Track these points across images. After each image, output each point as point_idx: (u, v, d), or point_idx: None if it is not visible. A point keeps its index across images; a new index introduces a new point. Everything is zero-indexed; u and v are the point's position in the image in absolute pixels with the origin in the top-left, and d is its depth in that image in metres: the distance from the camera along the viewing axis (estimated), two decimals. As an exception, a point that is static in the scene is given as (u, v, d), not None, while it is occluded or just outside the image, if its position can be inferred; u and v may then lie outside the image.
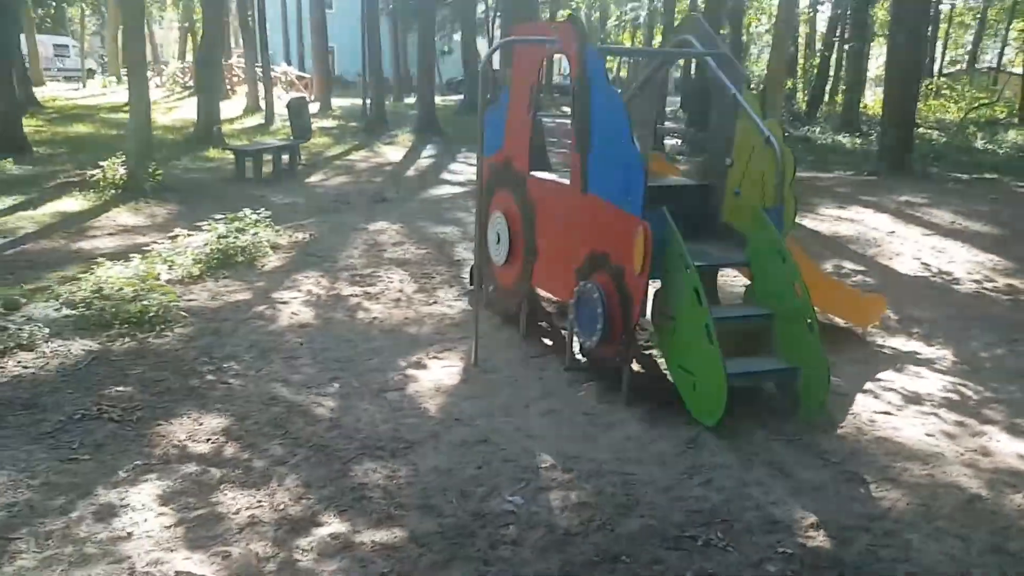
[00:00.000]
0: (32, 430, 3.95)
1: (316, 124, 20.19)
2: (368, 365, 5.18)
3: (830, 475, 3.84)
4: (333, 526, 3.27)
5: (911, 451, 4.10)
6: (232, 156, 13.44)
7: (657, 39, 36.94)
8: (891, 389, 4.96)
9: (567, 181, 5.18)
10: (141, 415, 4.19)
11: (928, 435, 4.31)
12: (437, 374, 5.09)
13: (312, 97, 34.24)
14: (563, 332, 5.74)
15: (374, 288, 6.86)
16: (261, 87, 22.88)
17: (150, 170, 11.03)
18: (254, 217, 7.92)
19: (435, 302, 6.58)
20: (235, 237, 7.47)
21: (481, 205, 5.54)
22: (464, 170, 15.47)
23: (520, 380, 5.02)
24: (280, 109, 19.84)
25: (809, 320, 4.31)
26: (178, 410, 4.29)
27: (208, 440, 3.97)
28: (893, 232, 9.84)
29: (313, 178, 13.85)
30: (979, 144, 22.37)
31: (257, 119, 22.12)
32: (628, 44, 49.61)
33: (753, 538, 3.25)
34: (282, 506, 3.40)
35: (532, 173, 5.51)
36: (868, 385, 4.99)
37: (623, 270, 4.44)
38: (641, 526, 3.33)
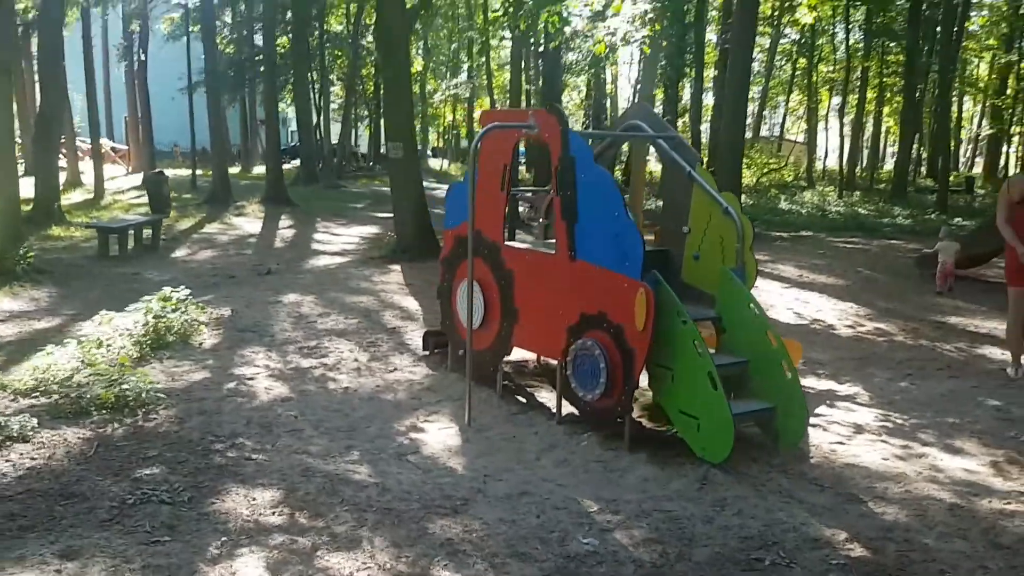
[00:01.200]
0: (91, 518, 3.87)
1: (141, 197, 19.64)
2: (370, 432, 5.37)
3: (830, 498, 4.48)
4: (465, 574, 3.51)
5: (880, 473, 4.83)
6: (82, 234, 12.93)
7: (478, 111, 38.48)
8: (833, 422, 5.74)
9: (545, 250, 5.70)
10: (190, 495, 4.19)
11: (884, 459, 5.07)
12: (438, 436, 5.36)
13: (130, 169, 32.83)
14: (548, 387, 6.17)
15: (328, 359, 6.99)
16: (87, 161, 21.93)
17: (21, 252, 10.47)
18: (180, 295, 7.80)
19: (395, 369, 6.81)
20: (168, 317, 7.35)
21: (451, 276, 5.92)
22: (334, 240, 15.61)
23: (518, 436, 5.39)
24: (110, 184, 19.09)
25: (786, 363, 5.01)
26: (221, 487, 4.32)
27: (274, 512, 4.06)
28: (756, 287, 11.02)
29: (178, 253, 13.55)
30: (783, 205, 25.05)
31: (80, 194, 21.10)
32: (450, 116, 51.39)
33: (805, 554, 3.80)
34: (388, 565, 3.59)
35: (507, 243, 5.97)
36: (813, 420, 5.75)
37: (623, 328, 4.96)
38: (710, 554, 3.79)
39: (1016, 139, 44.30)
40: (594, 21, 10.06)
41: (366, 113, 42.38)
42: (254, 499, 4.21)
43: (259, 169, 37.20)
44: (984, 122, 43.82)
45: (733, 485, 4.58)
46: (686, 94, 28.55)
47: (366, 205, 23.49)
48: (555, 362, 6.62)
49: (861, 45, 33.20)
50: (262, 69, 31.36)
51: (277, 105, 24.45)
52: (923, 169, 38.56)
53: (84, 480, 4.31)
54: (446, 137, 56.85)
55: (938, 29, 29.41)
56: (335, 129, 40.81)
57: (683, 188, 5.81)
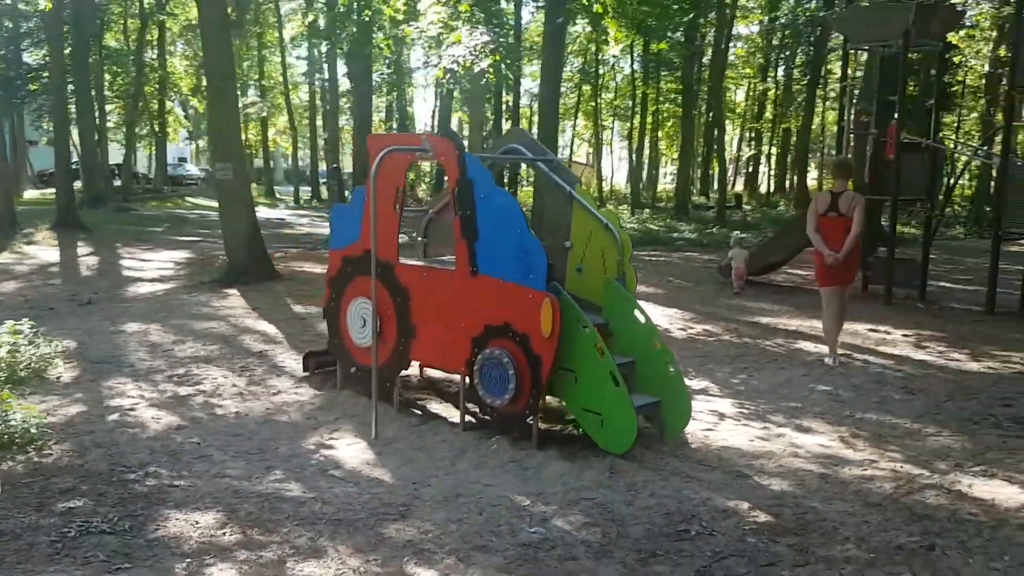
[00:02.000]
0: (35, 553, 3.72)
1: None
2: (282, 452, 5.40)
3: (720, 475, 5.10)
4: (438, 568, 3.73)
5: (752, 453, 5.54)
6: None
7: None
8: (699, 412, 6.42)
9: (442, 266, 6.00)
10: (129, 523, 4.10)
11: (750, 440, 5.80)
12: (350, 451, 5.49)
13: None
14: (452, 395, 6.43)
15: (205, 386, 6.85)
16: None
17: None
18: (26, 328, 7.30)
19: (278, 392, 6.79)
20: (21, 350, 6.88)
21: (338, 296, 6.05)
22: (145, 266, 14.85)
23: (428, 446, 5.62)
24: None
25: (669, 361, 5.62)
26: (157, 514, 4.25)
27: (224, 532, 4.07)
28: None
29: (-26, 284, 12.42)
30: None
31: None
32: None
33: (721, 523, 4.36)
34: (363, 568, 3.75)
35: (401, 261, 6.20)
36: (681, 412, 6.42)
37: (528, 336, 5.36)
38: (644, 531, 4.25)
39: (773, 160, 49.44)
40: (434, 49, 10.44)
41: (146, 131, 40.08)
42: (197, 522, 4.19)
43: (30, 193, 34.34)
44: (744, 145, 48.58)
45: (638, 471, 5.09)
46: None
47: (166, 229, 22.35)
48: (441, 375, 6.94)
49: (641, 73, 35.86)
50: (31, 87, 29.13)
51: (68, 124, 22.71)
52: (696, 188, 42.11)
53: (6, 518, 4.09)
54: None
55: (705, 60, 32.53)
56: (112, 149, 38.36)
57: (563, 206, 6.31)
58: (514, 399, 5.44)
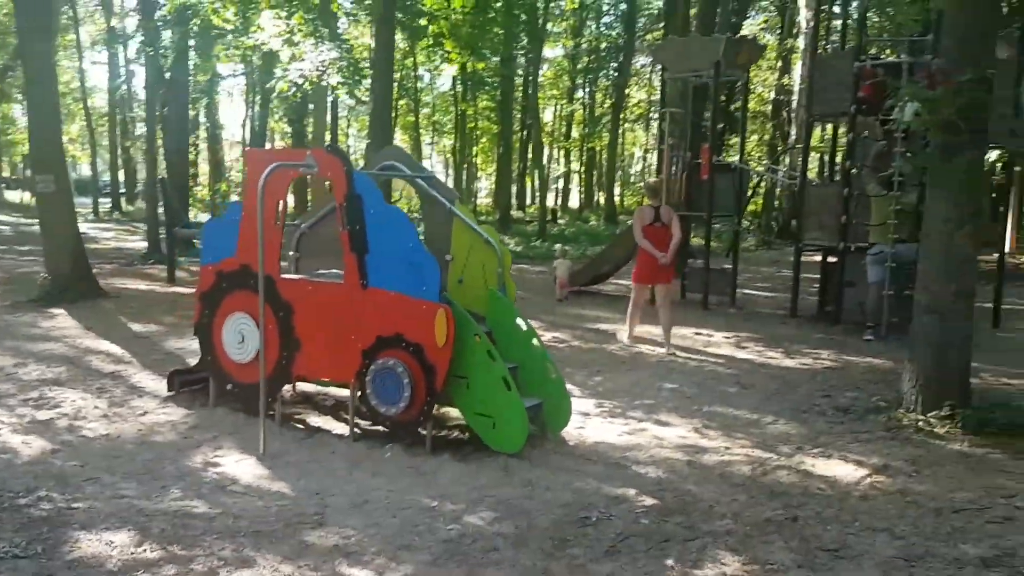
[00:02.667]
0: (-50, 587, 3.55)
1: None
2: (170, 471, 5.32)
3: (602, 467, 5.57)
4: (371, 568, 3.90)
5: (623, 446, 6.06)
6: None
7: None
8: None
9: (329, 280, 6.13)
10: (41, 547, 3.98)
11: (619, 435, 6.34)
12: (242, 467, 5.48)
13: None
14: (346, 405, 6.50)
15: (65, 409, 6.55)
16: None
17: None
18: None
19: (145, 412, 6.60)
20: None
21: (211, 312, 6.03)
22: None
23: (319, 459, 5.70)
24: None
25: (550, 365, 6.05)
26: (66, 537, 4.14)
27: (145, 550, 4.04)
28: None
29: None
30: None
31: None
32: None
33: (616, 508, 4.81)
34: (297, 573, 3.87)
35: (284, 276, 6.24)
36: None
37: (422, 346, 5.61)
38: (551, 521, 4.61)
39: (579, 176, 51.87)
40: (279, 63, 10.39)
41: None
42: (112, 542, 4.12)
43: None
44: (553, 163, 50.66)
45: (530, 469, 5.46)
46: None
47: (-46, 245, 20.43)
48: (316, 388, 7.01)
49: (461, 90, 36.62)
50: None
51: None
52: (515, 203, 43.41)
53: (-102, 555, 3.85)
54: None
55: (518, 81, 33.74)
56: None
57: (443, 221, 6.60)
58: (408, 407, 5.66)
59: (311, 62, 9.97)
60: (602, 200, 43.78)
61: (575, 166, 51.38)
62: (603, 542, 4.34)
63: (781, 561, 4.15)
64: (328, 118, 30.16)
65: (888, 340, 10.15)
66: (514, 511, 4.75)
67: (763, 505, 4.90)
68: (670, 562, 4.11)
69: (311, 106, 25.87)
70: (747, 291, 14.97)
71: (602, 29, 40.06)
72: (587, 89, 43.43)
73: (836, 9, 22.52)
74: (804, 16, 27.81)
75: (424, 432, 5.79)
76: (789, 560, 4.16)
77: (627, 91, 38.02)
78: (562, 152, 50.22)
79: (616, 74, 38.38)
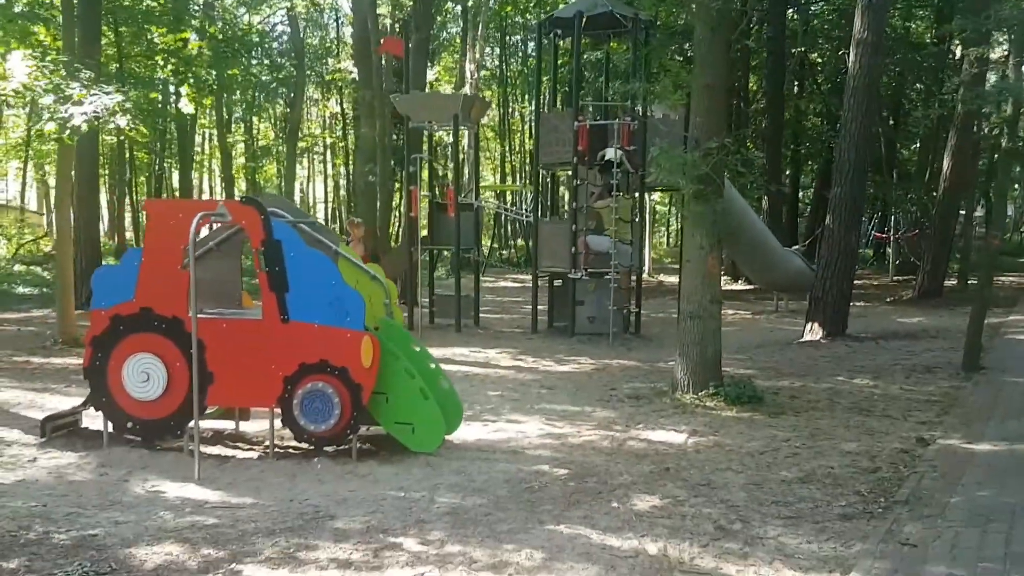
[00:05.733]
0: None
1: None
2: (130, 501, 5.63)
3: (504, 454, 6.84)
4: (411, 536, 4.85)
5: (502, 440, 7.31)
6: None
7: None
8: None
9: (244, 316, 6.74)
10: (109, 566, 4.38)
11: (490, 434, 7.55)
12: (192, 491, 5.88)
13: None
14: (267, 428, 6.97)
15: (-57, 466, 6.30)
16: None
17: None
18: None
19: (35, 459, 6.59)
20: None
21: (105, 355, 6.38)
22: None
23: (256, 477, 6.27)
24: None
25: (442, 378, 7.21)
26: (124, 555, 4.54)
27: (209, 553, 4.61)
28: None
29: None
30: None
31: None
32: None
33: (545, 478, 6.15)
34: (365, 546, 4.73)
35: (194, 314, 6.68)
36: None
37: (347, 369, 6.48)
38: (508, 492, 5.82)
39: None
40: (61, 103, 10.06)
41: None
42: (170, 552, 4.61)
43: None
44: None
45: (448, 462, 6.58)
46: None
47: None
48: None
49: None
50: None
51: None
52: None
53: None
54: None
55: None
56: None
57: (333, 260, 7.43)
58: (336, 423, 6.49)
59: (91, 104, 9.86)
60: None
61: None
62: (559, 499, 5.69)
63: (678, 495, 5.81)
64: None
65: (616, 343, 12.71)
66: (472, 490, 5.90)
67: (639, 464, 6.56)
68: (615, 504, 5.59)
69: None
70: (482, 314, 16.87)
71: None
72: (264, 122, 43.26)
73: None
74: (469, 68, 31.12)
75: (348, 445, 6.64)
76: (684, 493, 5.84)
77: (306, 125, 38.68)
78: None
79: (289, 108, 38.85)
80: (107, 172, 31.72)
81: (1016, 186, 23.99)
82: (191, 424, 6.70)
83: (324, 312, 6.51)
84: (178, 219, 6.61)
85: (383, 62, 20.29)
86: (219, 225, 6.96)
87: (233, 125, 41.82)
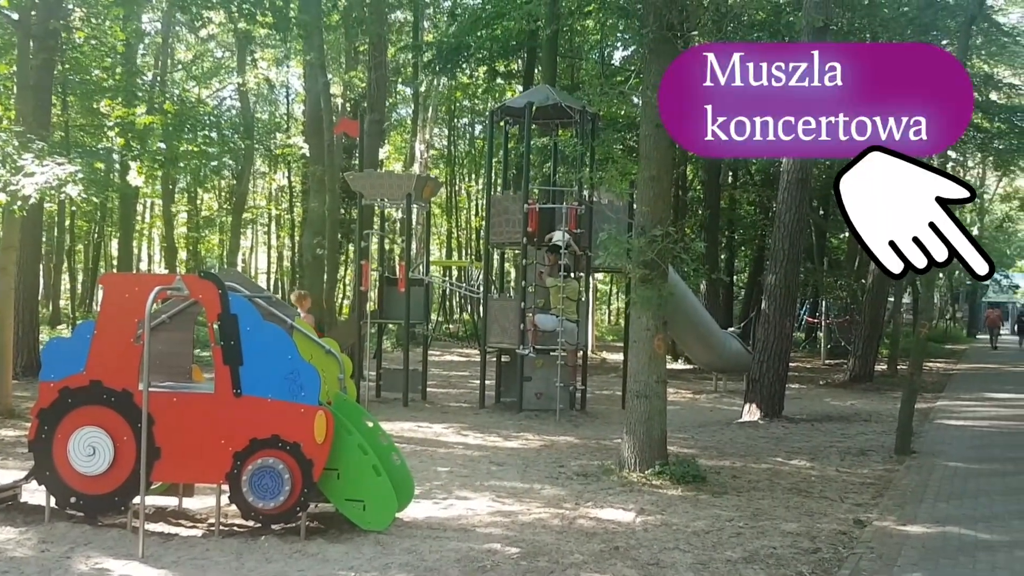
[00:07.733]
0: None
1: None
2: (77, 581, 5.52)
3: (455, 532, 6.85)
4: None
5: (452, 517, 7.30)
6: None
7: None
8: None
9: (195, 390, 6.72)
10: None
11: (440, 511, 7.52)
12: (135, 569, 5.81)
13: None
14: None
15: None
16: None
17: None
18: None
19: (-27, 536, 6.40)
20: None
21: (51, 428, 6.33)
22: None
23: (201, 555, 6.15)
24: None
25: (395, 454, 7.23)
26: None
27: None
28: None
29: None
30: None
31: None
32: None
33: (497, 557, 6.18)
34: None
35: (141, 388, 6.63)
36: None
37: (299, 444, 6.48)
38: (461, 571, 5.86)
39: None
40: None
41: None
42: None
43: None
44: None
45: (399, 541, 6.57)
46: None
47: None
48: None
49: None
50: None
51: None
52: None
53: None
54: None
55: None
56: None
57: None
58: (286, 500, 6.45)
59: (43, 174, 9.86)
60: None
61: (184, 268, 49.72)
62: (512, 579, 5.73)
63: (628, 573, 5.91)
64: None
65: (563, 419, 12.85)
66: (423, 570, 5.91)
67: (589, 542, 6.64)
68: (566, 583, 5.67)
69: None
70: (429, 388, 16.87)
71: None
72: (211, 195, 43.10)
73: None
74: (419, 148, 31.73)
75: (297, 523, 6.59)
76: (634, 574, 5.94)
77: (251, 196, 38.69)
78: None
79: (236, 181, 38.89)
80: (45, 240, 31.28)
81: (941, 275, 25.13)
82: (136, 500, 6.62)
83: (278, 386, 6.54)
84: (134, 292, 6.63)
85: (335, 139, 20.62)
86: (173, 299, 6.97)
87: (176, 195, 41.65)
